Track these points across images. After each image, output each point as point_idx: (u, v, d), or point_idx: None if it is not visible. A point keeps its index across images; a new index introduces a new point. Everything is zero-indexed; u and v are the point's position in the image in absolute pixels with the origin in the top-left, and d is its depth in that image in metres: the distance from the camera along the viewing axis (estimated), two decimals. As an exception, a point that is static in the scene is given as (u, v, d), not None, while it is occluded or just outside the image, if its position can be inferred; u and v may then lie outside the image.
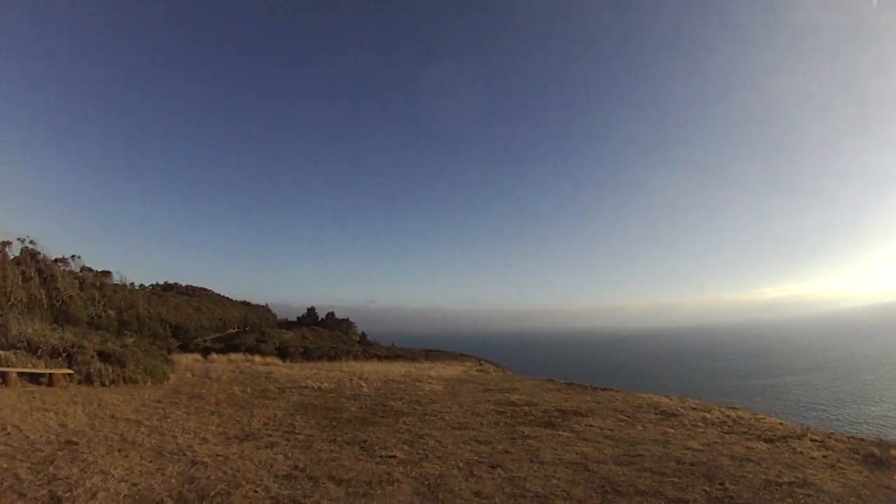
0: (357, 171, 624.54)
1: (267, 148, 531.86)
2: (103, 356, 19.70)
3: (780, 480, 7.97)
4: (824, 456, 9.65)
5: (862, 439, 11.43)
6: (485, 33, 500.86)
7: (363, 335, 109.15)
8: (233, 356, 34.47)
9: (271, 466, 8.42)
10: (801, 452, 9.85)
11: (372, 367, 32.25)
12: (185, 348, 51.52)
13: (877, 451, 9.65)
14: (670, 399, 17.88)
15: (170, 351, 37.49)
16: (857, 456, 9.63)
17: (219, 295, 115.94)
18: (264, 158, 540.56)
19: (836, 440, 11.12)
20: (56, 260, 48.91)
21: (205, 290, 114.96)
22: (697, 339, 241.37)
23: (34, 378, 16.88)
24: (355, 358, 45.98)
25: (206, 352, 41.21)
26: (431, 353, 58.94)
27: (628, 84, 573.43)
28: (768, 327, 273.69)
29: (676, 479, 7.93)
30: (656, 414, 14.66)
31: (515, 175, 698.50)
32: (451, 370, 33.59)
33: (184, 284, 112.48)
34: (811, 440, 10.97)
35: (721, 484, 7.73)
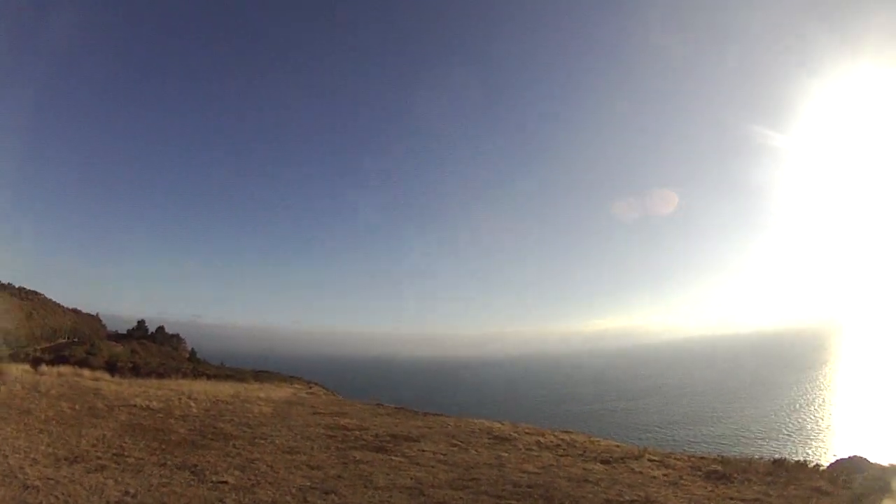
0: (189, 180, 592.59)
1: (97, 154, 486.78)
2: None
3: (622, 499, 7.89)
4: (665, 474, 9.78)
5: (703, 457, 11.99)
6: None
7: (193, 352, 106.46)
8: (62, 369, 32.18)
9: (102, 492, 8.17)
10: (641, 472, 9.90)
11: (201, 387, 31.39)
12: (15, 357, 48.38)
13: (719, 468, 9.87)
14: (503, 424, 18.34)
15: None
16: (699, 473, 10.35)
17: (51, 300, 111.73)
18: (94, 160, 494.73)
19: (675, 459, 11.99)
20: None
21: (37, 293, 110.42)
22: (531, 366, 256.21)
23: None
24: (184, 376, 45.19)
25: (35, 362, 37.42)
26: (260, 374, 58.17)
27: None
28: (599, 356, 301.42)
29: (514, 502, 7.81)
30: (489, 438, 14.84)
31: (346, 194, 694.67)
32: (280, 392, 34.04)
33: (17, 286, 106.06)
34: (649, 460, 11.18)
35: (561, 504, 7.56)
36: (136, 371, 47.69)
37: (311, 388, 46.71)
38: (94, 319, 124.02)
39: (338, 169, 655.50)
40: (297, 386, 46.20)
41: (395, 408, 24.82)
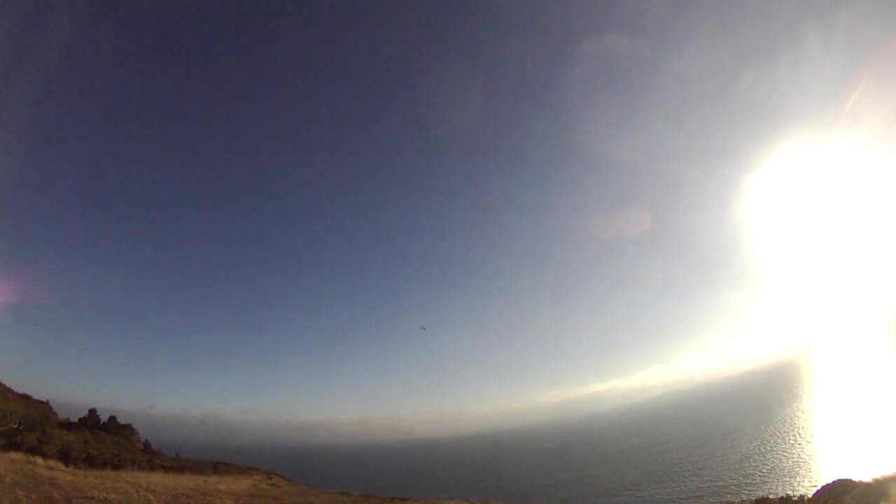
0: (139, 272, 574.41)
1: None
2: None
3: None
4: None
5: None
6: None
7: (147, 443, 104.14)
8: (14, 455, 35.31)
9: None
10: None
11: (158, 479, 33.56)
12: (-37, 441, 51.75)
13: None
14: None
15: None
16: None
17: (1, 384, 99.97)
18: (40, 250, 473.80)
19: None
20: None
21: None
22: (500, 442, 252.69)
23: None
24: (140, 467, 47.17)
25: (-13, 447, 40.18)
26: (219, 466, 58.34)
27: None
28: (567, 426, 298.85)
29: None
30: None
31: (299, 287, 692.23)
32: (241, 484, 34.52)
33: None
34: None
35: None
36: (90, 461, 49.12)
37: (271, 478, 49.07)
38: (45, 406, 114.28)
39: (289, 264, 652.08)
40: (256, 477, 48.24)
41: (362, 495, 25.20)
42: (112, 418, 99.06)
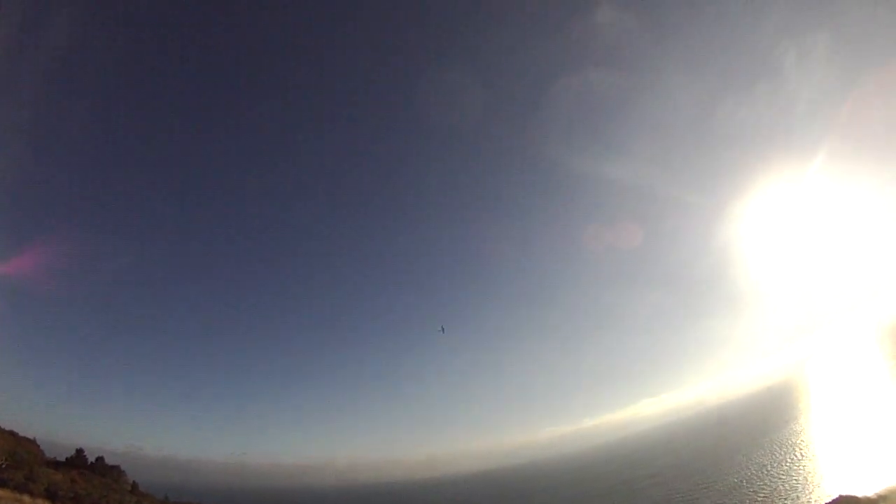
0: (124, 309, 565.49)
1: None
2: None
3: None
4: None
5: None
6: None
7: (135, 484, 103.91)
8: (0, 492, 36.35)
9: None
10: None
11: None
12: (-51, 476, 50.15)
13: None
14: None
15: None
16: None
17: None
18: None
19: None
20: None
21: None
22: (480, 485, 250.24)
23: None
24: None
25: (-28, 483, 38.00)
26: None
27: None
28: (555, 463, 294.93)
29: None
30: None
31: (286, 329, 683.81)
32: None
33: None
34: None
35: None
36: (77, 501, 53.31)
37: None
38: (32, 443, 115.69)
39: (274, 308, 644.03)
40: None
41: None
42: (100, 458, 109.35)
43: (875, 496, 33.74)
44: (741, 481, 78.55)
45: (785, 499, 60.44)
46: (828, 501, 40.72)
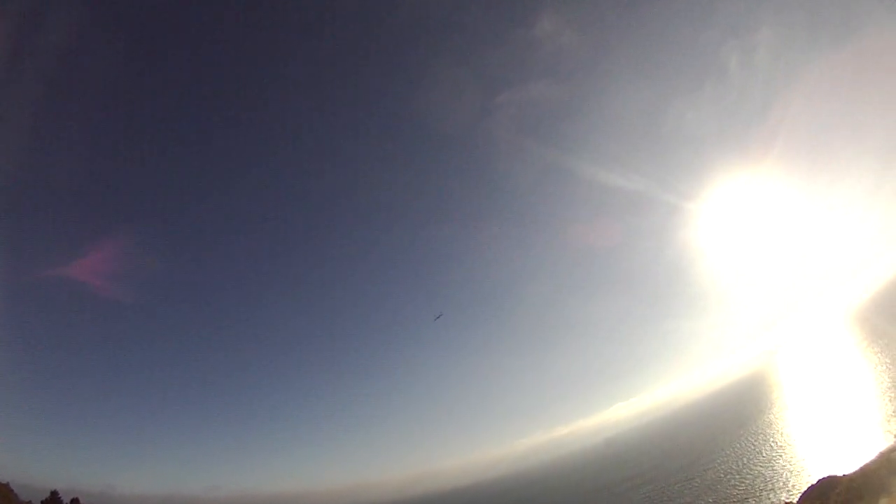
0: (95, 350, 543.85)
1: None
2: None
3: None
4: None
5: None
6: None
7: None
8: None
9: None
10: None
11: None
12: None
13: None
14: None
15: None
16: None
17: None
18: None
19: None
20: None
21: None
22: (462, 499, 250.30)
23: None
24: None
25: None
26: None
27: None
28: (567, 460, 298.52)
29: None
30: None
31: (256, 359, 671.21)
32: None
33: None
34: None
35: None
36: None
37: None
38: (5, 488, 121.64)
39: (247, 337, 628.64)
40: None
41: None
42: (74, 500, 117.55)
43: (856, 474, 34.73)
44: (721, 475, 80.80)
45: (768, 488, 62.06)
46: (810, 485, 41.83)
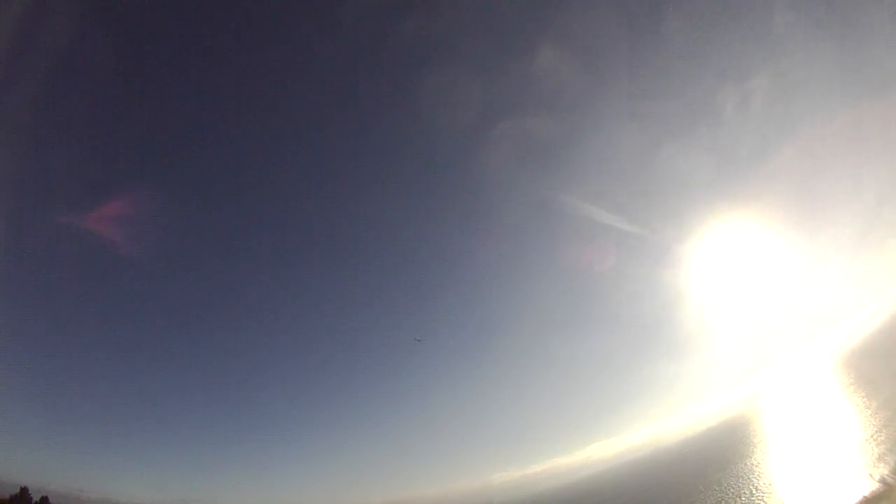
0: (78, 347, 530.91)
1: None
2: None
3: None
4: None
5: None
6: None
7: None
8: None
9: None
10: None
11: None
12: None
13: None
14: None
15: None
16: None
17: None
18: None
19: None
20: None
21: None
22: None
23: None
24: None
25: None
26: None
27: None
28: (545, 497, 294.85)
29: None
30: None
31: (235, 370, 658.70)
32: None
33: None
34: None
35: None
36: None
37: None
38: None
39: (227, 346, 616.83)
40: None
41: None
42: (44, 498, 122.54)
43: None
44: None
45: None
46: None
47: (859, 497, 45.80)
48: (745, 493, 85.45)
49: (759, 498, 78.22)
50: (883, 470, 64.74)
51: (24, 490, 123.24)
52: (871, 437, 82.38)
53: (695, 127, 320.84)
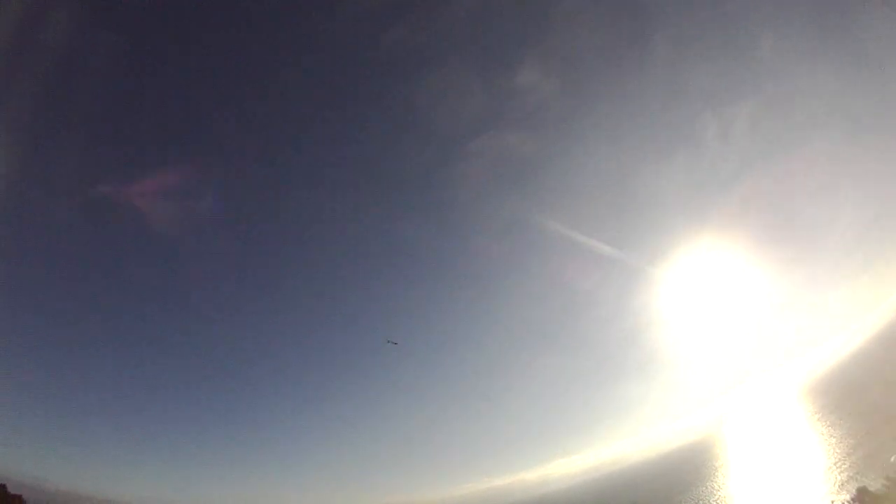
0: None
1: None
2: None
3: None
4: None
5: None
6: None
7: None
8: None
9: None
10: None
11: None
12: None
13: None
14: None
15: None
16: None
17: None
18: None
19: None
20: None
21: None
22: None
23: None
24: None
25: None
26: None
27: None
28: None
29: None
30: None
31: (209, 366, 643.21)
32: None
33: None
34: None
35: None
36: None
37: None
38: None
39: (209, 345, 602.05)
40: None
41: None
42: (2, 486, 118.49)
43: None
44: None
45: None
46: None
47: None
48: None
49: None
50: (845, 496, 64.16)
51: (1, 487, 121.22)
52: (835, 464, 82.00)
53: (674, 151, 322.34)
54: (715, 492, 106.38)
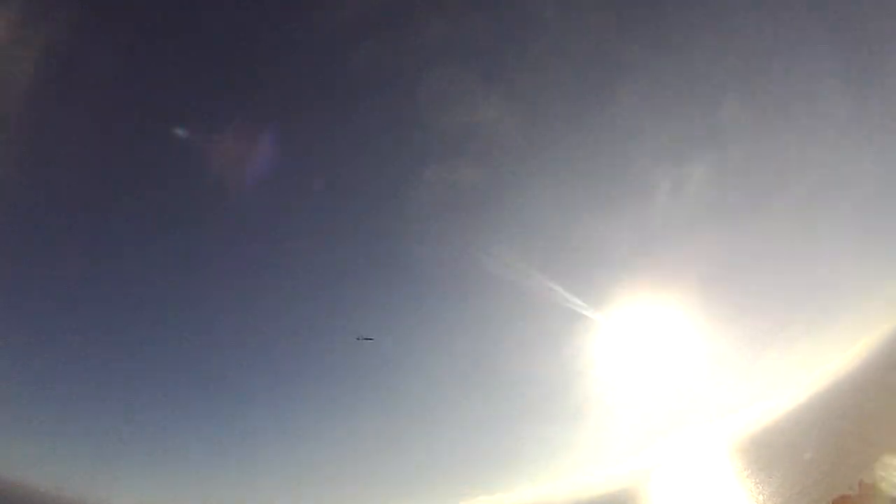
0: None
1: None
2: None
3: None
4: None
5: None
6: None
7: None
8: None
9: None
10: None
11: None
12: None
13: None
14: None
15: None
16: None
17: None
18: None
19: None
20: None
21: None
22: None
23: None
24: None
25: None
26: None
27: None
28: None
29: None
30: None
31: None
32: None
33: None
34: None
35: None
36: None
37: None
38: None
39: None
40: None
41: None
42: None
43: None
44: None
45: None
46: None
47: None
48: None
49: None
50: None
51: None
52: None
53: (624, 201, 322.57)
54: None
